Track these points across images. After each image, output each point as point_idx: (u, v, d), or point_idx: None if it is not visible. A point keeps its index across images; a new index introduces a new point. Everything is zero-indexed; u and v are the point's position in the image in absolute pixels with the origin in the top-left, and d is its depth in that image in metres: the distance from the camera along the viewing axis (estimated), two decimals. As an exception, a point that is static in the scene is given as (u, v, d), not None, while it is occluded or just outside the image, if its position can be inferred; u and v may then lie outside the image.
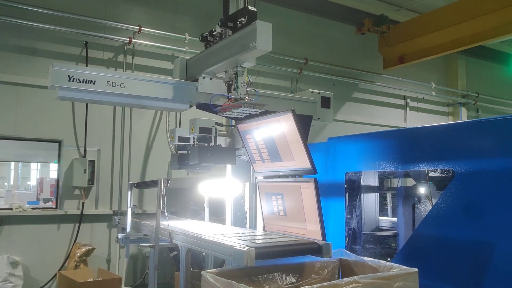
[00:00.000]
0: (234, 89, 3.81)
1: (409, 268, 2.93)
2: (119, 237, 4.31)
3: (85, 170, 7.86)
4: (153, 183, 3.96)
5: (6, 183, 16.45)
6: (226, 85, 4.02)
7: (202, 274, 2.73)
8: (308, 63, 9.84)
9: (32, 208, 7.81)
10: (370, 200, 5.03)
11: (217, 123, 4.12)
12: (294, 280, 3.11)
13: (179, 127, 8.41)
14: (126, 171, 8.32)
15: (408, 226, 4.56)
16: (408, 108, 12.01)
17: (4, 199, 14.35)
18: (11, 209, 7.71)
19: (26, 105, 7.58)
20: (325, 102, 6.69)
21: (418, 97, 12.21)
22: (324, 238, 3.20)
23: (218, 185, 4.33)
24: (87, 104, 7.98)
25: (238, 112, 3.82)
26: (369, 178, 4.99)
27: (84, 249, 7.65)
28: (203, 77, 4.22)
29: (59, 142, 7.98)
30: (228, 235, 3.25)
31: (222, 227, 4.00)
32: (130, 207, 4.25)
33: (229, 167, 4.25)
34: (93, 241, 7.90)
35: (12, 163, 16.72)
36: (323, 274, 3.27)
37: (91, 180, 7.98)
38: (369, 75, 10.94)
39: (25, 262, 7.45)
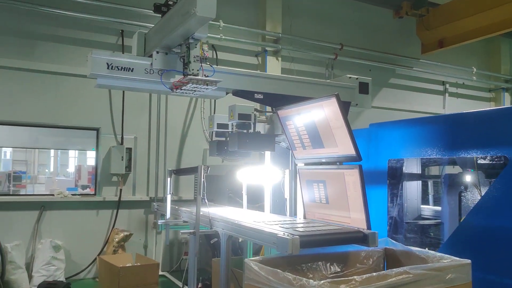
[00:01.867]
0: (186, 64, 3.59)
1: (461, 259, 2.79)
2: (158, 223, 4.30)
3: (122, 157, 7.94)
4: (193, 170, 3.92)
5: (46, 170, 16.91)
6: (182, 60, 3.78)
7: (246, 262, 2.67)
8: (343, 49, 9.62)
9: (72, 194, 7.95)
10: (412, 188, 4.86)
11: (256, 110, 4.04)
12: (339, 270, 3.02)
13: (214, 114, 8.37)
14: (162, 158, 8.37)
15: (453, 215, 4.39)
16: (447, 94, 11.63)
17: (45, 186, 14.83)
18: (53, 195, 7.88)
19: (64, 94, 7.69)
20: (363, 88, 6.50)
21: (457, 83, 11.80)
22: (369, 227, 3.09)
23: (257, 172, 4.26)
24: (123, 92, 8.04)
25: (189, 90, 3.59)
26: (412, 166, 4.81)
27: (122, 234, 7.76)
28: (157, 52, 4.01)
29: (97, 130, 8.07)
30: (269, 223, 3.18)
31: (261, 214, 3.93)
32: (170, 193, 4.23)
33: (268, 154, 4.17)
34: (131, 227, 8.01)
35: (52, 151, 17.19)
36: (368, 263, 3.16)
37: (128, 167, 8.06)
38: (407, 60, 10.63)
39: (67, 246, 7.61)
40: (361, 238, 2.92)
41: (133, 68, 5.04)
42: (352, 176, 3.20)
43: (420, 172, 4.91)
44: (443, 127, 3.82)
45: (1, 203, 7.35)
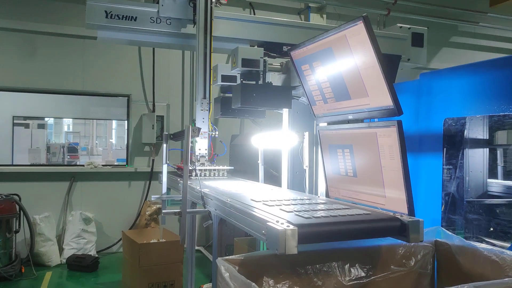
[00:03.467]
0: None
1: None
2: (152, 198, 3.45)
3: (153, 125, 7.21)
4: (183, 132, 2.97)
5: (96, 142, 16.84)
6: (191, 5, 3.24)
7: (217, 262, 1.72)
8: (397, 3, 8.20)
9: (103, 165, 7.35)
10: (476, 157, 3.64)
11: (267, 54, 2.99)
12: (363, 274, 1.97)
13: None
14: (196, 127, 7.55)
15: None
16: (519, 53, 9.86)
17: (101, 157, 14.78)
18: (83, 165, 7.32)
19: (92, 59, 7.01)
20: (417, 40, 5.25)
21: (533, 40, 9.97)
22: (411, 212, 2.02)
23: (274, 137, 3.25)
24: (153, 55, 7.24)
25: None
26: (477, 128, 3.58)
27: (154, 207, 7.08)
28: None
29: (128, 96, 7.36)
30: (271, 203, 2.20)
31: (272, 190, 2.93)
32: (166, 163, 3.34)
33: (285, 112, 3.14)
34: (164, 199, 7.29)
35: (107, 123, 17.08)
36: (408, 265, 2.09)
37: (160, 136, 7.33)
38: (472, 14, 8.96)
39: (98, 219, 7.07)
40: (397, 228, 1.85)
41: (136, 17, 4.16)
42: (388, 138, 2.13)
43: (488, 137, 3.67)
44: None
45: (30, 173, 6.86)
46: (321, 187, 2.74)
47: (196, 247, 7.38)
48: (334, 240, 1.86)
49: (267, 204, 2.18)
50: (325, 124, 2.66)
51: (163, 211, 2.59)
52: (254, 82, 2.87)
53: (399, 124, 2.07)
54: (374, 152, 2.21)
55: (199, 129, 2.67)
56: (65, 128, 17.19)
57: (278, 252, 1.65)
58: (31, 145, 10.93)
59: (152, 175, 7.28)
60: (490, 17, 9.06)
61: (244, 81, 2.85)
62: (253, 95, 2.78)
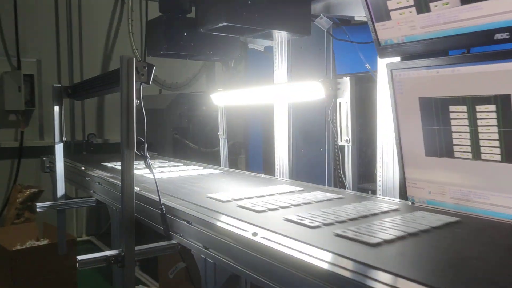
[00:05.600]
0: None
1: None
2: (37, 208, 1.77)
3: (19, 87, 5.08)
4: (113, 77, 1.32)
5: None
6: None
7: None
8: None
9: None
10: None
11: None
12: None
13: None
14: (79, 89, 5.56)
15: None
16: None
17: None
18: None
19: None
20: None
21: None
22: None
23: (263, 92, 1.74)
24: (15, -4, 5.03)
25: None
26: None
27: (27, 192, 5.04)
28: None
29: (-21, 49, 5.08)
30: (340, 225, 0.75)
31: (271, 189, 1.45)
32: (61, 140, 1.66)
33: (279, 44, 1.64)
34: (41, 181, 5.27)
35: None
36: None
37: (30, 102, 5.23)
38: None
39: None
40: None
41: None
42: None
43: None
44: None
45: None
46: (383, 177, 1.36)
47: (85, 237, 5.59)
48: None
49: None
50: (398, 59, 1.26)
51: (78, 258, 0.98)
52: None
53: None
54: None
55: (152, 66, 1.07)
56: None
57: None
58: None
59: (22, 152, 5.19)
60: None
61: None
62: (248, 2, 1.26)
